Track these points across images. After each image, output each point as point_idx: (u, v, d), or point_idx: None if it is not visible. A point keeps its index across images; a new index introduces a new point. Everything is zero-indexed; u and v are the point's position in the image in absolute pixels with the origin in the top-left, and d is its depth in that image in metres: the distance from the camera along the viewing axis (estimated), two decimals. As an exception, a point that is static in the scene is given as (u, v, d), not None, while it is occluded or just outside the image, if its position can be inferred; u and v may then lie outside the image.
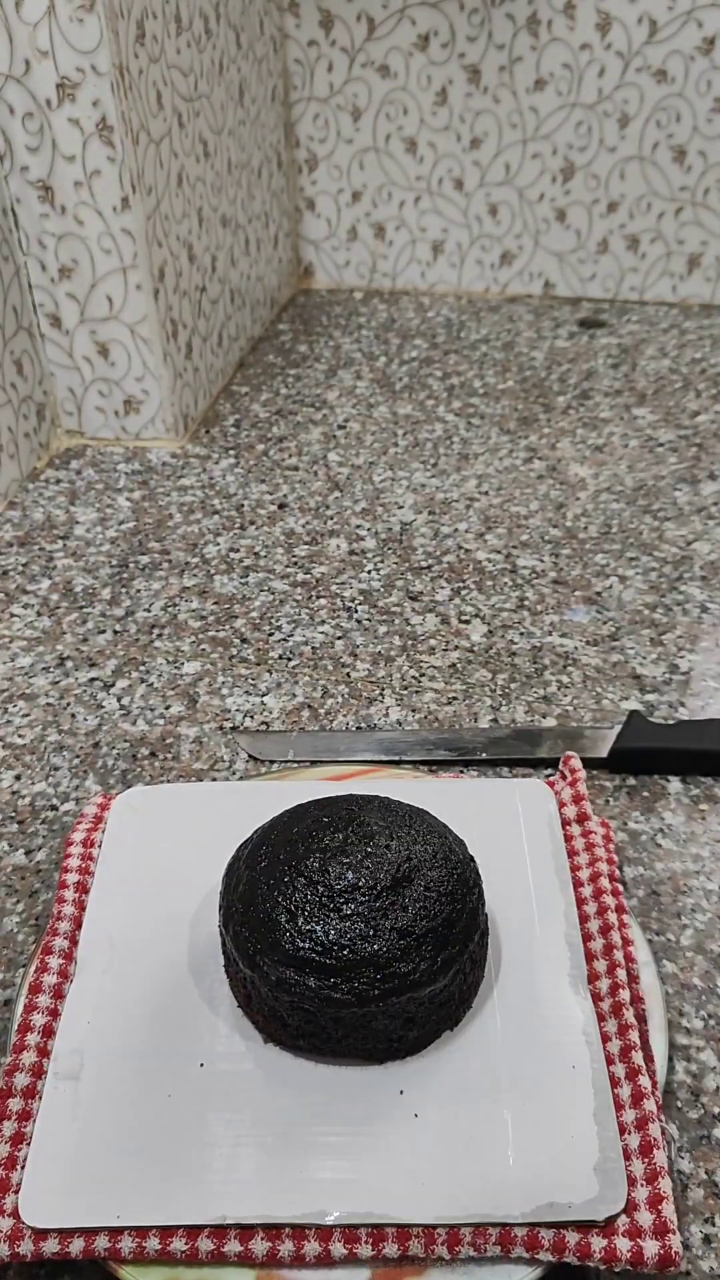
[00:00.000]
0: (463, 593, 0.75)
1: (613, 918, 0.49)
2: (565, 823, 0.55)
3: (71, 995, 0.47)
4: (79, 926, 0.51)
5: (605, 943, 0.48)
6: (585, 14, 1.02)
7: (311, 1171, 0.41)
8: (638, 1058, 0.44)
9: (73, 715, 0.67)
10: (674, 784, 0.60)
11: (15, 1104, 0.43)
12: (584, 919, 0.49)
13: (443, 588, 0.76)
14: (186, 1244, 0.38)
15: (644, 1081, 0.43)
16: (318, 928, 0.43)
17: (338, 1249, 0.38)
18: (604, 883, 0.51)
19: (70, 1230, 0.39)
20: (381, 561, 0.79)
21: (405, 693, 0.67)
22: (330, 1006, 0.42)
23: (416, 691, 0.67)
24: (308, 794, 0.52)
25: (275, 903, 0.44)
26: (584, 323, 1.12)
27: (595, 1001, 0.46)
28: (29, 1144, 0.42)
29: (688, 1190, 0.42)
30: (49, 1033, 0.46)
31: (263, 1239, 0.39)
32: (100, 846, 0.55)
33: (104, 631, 0.74)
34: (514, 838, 0.53)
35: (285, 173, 1.15)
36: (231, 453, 0.94)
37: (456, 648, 0.71)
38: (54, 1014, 0.47)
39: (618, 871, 0.52)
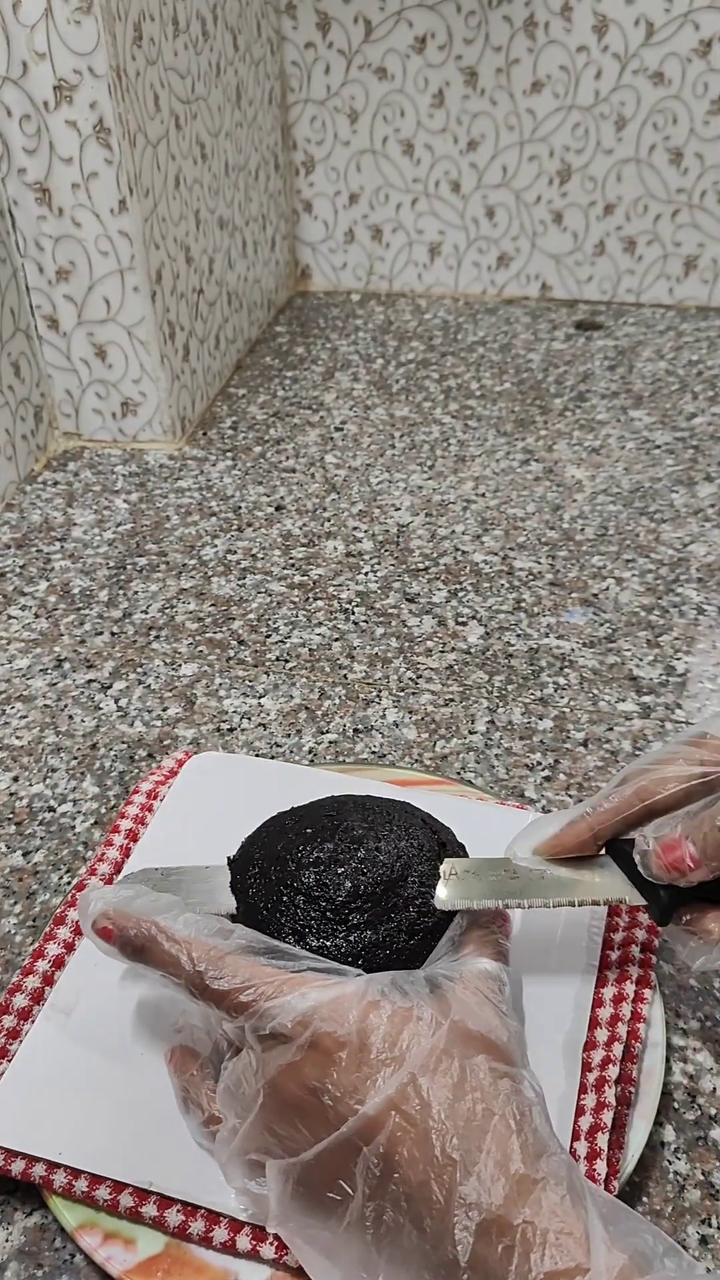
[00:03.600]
0: (460, 594, 0.75)
1: (630, 989, 0.46)
2: None
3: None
4: (119, 871, 0.53)
5: (614, 1013, 0.45)
6: (582, 16, 1.02)
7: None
8: (602, 1140, 0.41)
9: (70, 717, 0.67)
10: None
11: (8, 1021, 0.46)
12: (602, 983, 0.47)
13: (440, 589, 0.76)
14: (110, 1195, 0.41)
15: (600, 1167, 0.41)
16: (328, 943, 0.42)
17: (243, 1243, 0.40)
18: (634, 951, 0.48)
19: (16, 1152, 0.42)
20: (378, 563, 0.79)
21: (402, 694, 0.67)
22: None
23: (413, 693, 0.67)
24: (368, 789, 0.51)
25: (280, 925, 0.43)
26: (581, 325, 1.12)
27: (584, 1071, 0.44)
28: (9, 1061, 0.45)
29: (684, 1191, 0.43)
30: (60, 964, 0.49)
31: (178, 1212, 0.40)
32: (162, 800, 0.56)
33: (101, 633, 0.74)
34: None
35: (282, 175, 1.15)
36: (229, 455, 0.94)
37: (453, 649, 0.71)
38: (69, 948, 0.49)
39: (655, 943, 0.48)
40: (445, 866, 0.45)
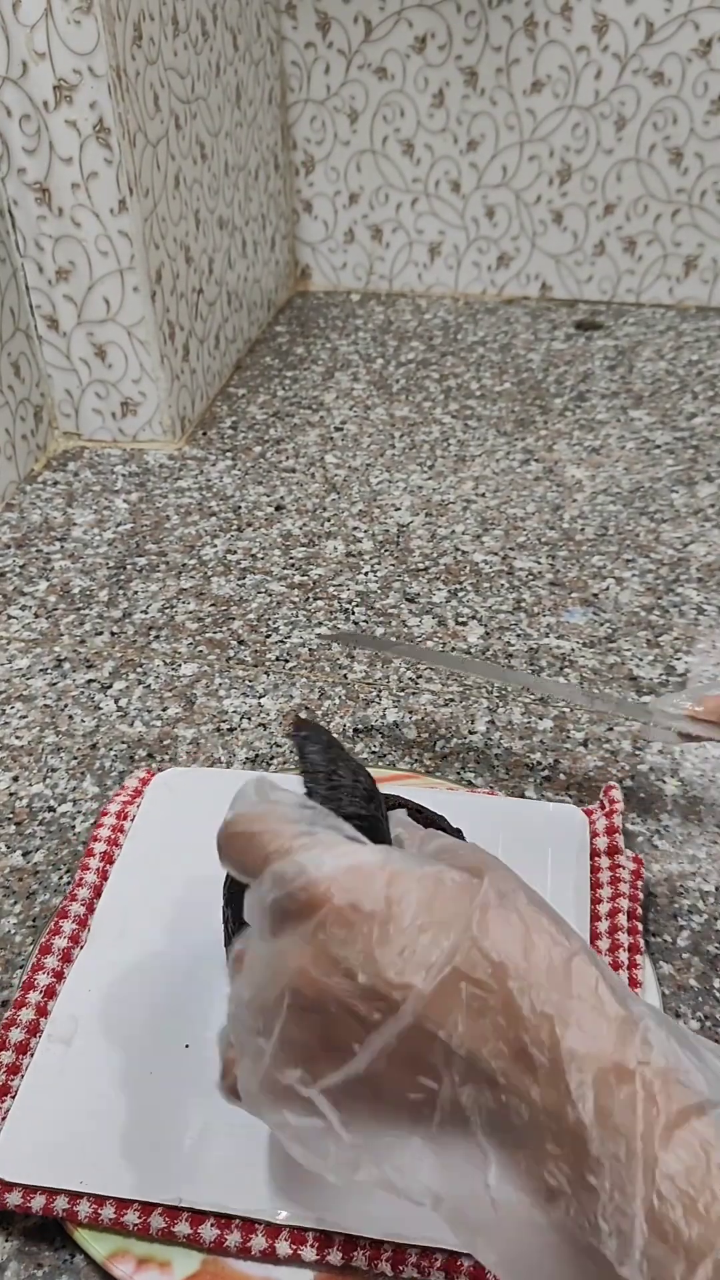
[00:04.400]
0: (460, 594, 0.75)
1: (624, 957, 0.47)
2: (595, 853, 0.53)
3: (79, 962, 0.49)
4: (99, 895, 0.52)
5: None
6: (582, 16, 1.02)
7: (271, 1168, 0.41)
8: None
9: (70, 717, 0.67)
10: (669, 785, 0.60)
11: (6, 1057, 0.45)
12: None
13: (440, 589, 0.76)
14: (140, 1218, 0.40)
15: None
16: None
17: (283, 1247, 0.39)
18: (621, 919, 0.49)
19: (34, 1187, 0.41)
20: (379, 563, 0.79)
21: (402, 694, 0.67)
22: None
23: (413, 693, 0.67)
24: None
25: None
26: (581, 325, 1.12)
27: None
28: (13, 1098, 0.44)
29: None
30: (51, 994, 0.48)
31: (213, 1225, 0.40)
32: (133, 820, 0.56)
33: (101, 633, 0.74)
34: (539, 861, 0.52)
35: (282, 175, 1.15)
36: (228, 455, 0.94)
37: (454, 649, 0.71)
38: (59, 976, 0.49)
39: (640, 910, 0.50)
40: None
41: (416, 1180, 0.31)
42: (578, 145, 1.09)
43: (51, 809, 0.60)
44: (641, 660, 0.69)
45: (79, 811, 0.60)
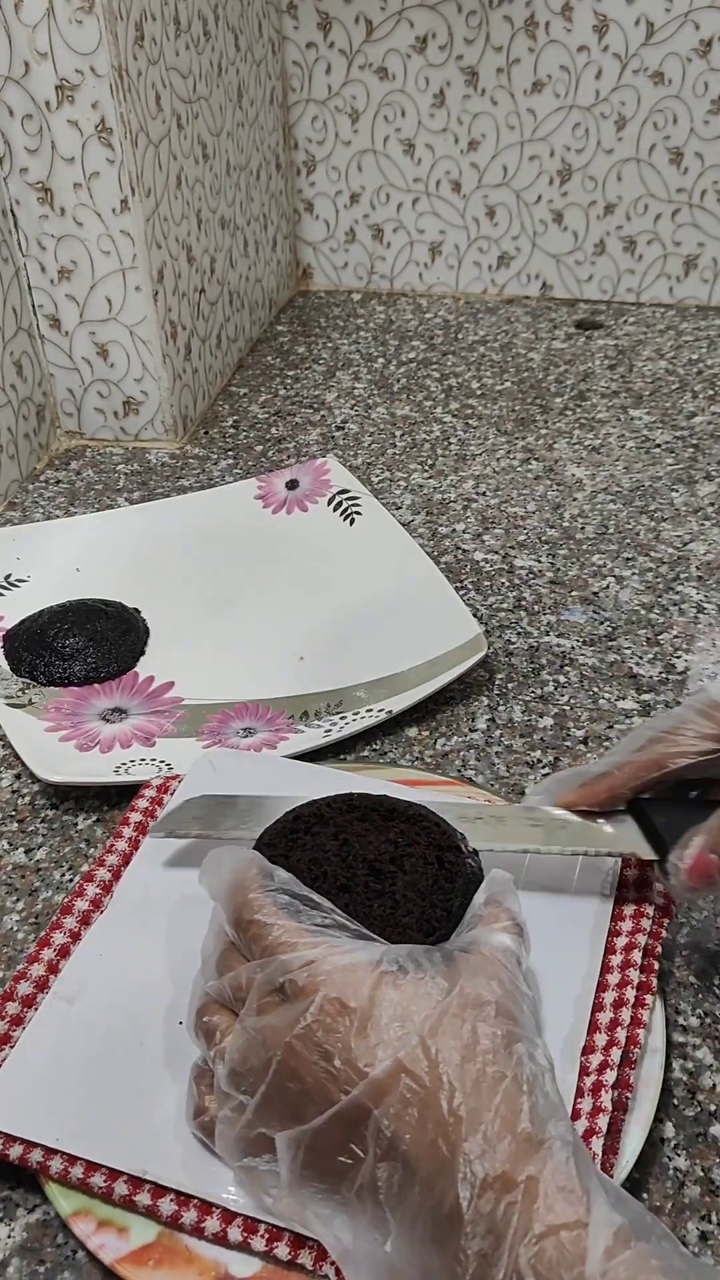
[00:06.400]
0: (460, 593, 0.76)
1: (631, 994, 0.46)
2: (624, 884, 0.51)
3: (95, 926, 0.50)
4: (126, 863, 0.53)
5: (613, 1018, 0.45)
6: (583, 16, 1.02)
7: None
8: (596, 1145, 0.41)
9: (72, 715, 0.67)
10: (671, 783, 0.60)
11: (12, 1008, 0.47)
12: (603, 987, 0.46)
13: (441, 588, 0.76)
14: (105, 1182, 0.41)
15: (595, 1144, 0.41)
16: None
17: (235, 1234, 0.40)
18: (636, 956, 0.47)
19: (14, 1137, 0.42)
20: (379, 562, 0.79)
21: (403, 693, 0.67)
22: None
23: (414, 691, 0.67)
24: (372, 788, 0.52)
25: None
26: (581, 324, 1.13)
27: (581, 1075, 0.43)
28: (11, 1048, 0.45)
29: (684, 1188, 0.43)
30: (64, 953, 0.49)
31: (172, 1201, 0.41)
32: (172, 795, 0.56)
33: (103, 632, 0.74)
34: (564, 882, 0.51)
35: (284, 175, 1.15)
36: (230, 454, 0.94)
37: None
38: (75, 937, 0.50)
39: (659, 949, 0.48)
40: (468, 810, 0.48)
41: (331, 1229, 0.36)
42: (578, 145, 1.09)
43: (54, 806, 0.61)
44: (641, 659, 0.69)
45: (81, 809, 0.60)
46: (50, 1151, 0.42)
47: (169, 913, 0.51)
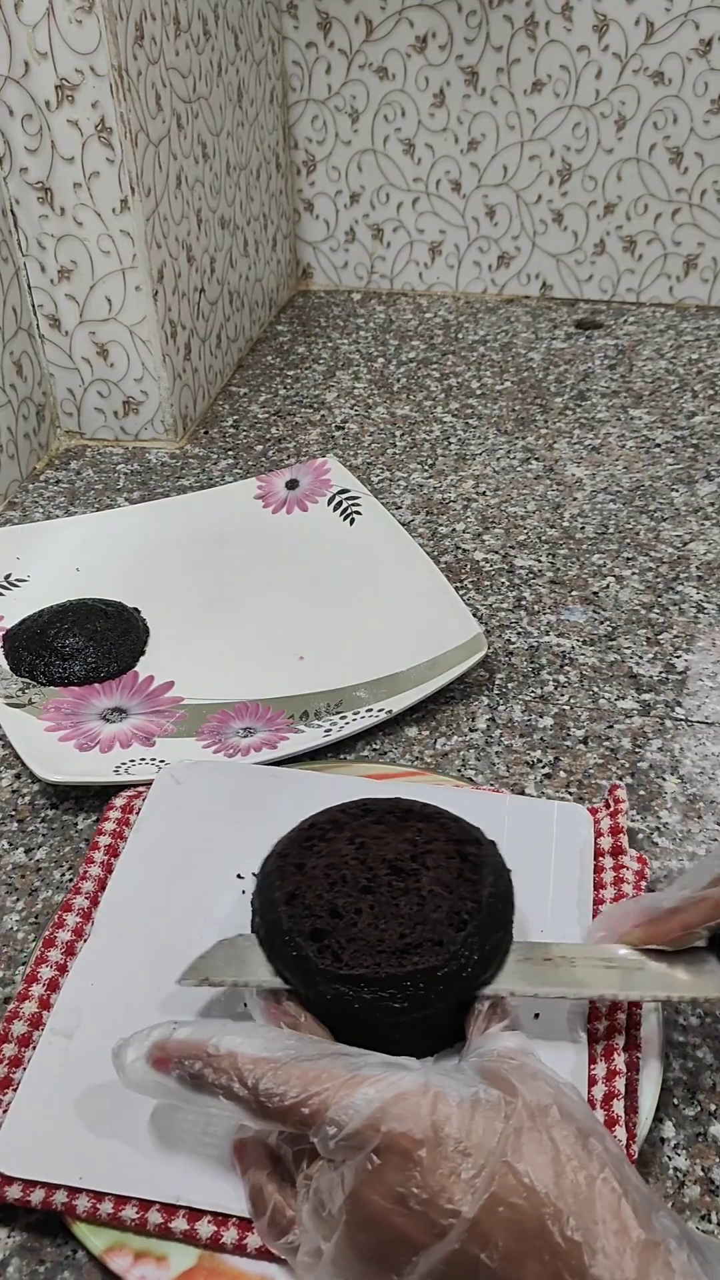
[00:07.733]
0: (460, 592, 0.76)
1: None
2: (599, 853, 0.53)
3: (82, 955, 0.49)
4: (103, 889, 0.52)
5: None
6: (583, 16, 1.02)
7: None
8: (618, 1107, 0.42)
9: (72, 715, 0.67)
10: (669, 782, 0.60)
11: (9, 1050, 0.45)
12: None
13: (440, 588, 0.76)
14: (137, 1214, 0.40)
15: (619, 1133, 0.42)
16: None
17: None
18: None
19: (34, 1181, 0.41)
20: (379, 562, 0.79)
21: (403, 692, 0.67)
22: (388, 1015, 0.42)
23: (414, 691, 0.67)
24: (346, 788, 0.52)
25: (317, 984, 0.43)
26: (581, 324, 1.13)
27: (590, 1042, 0.45)
28: (15, 1091, 0.44)
29: (684, 1188, 0.43)
30: (54, 987, 0.48)
31: (209, 1222, 0.40)
32: (139, 814, 0.56)
33: (103, 631, 0.74)
34: (543, 860, 0.52)
35: (284, 174, 1.15)
36: (230, 453, 0.94)
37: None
38: (62, 969, 0.49)
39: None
40: (534, 951, 0.45)
41: None
42: (578, 145, 1.09)
43: (54, 806, 0.61)
44: (641, 658, 0.69)
45: (80, 809, 0.60)
46: (74, 1191, 0.41)
47: (153, 933, 0.50)
